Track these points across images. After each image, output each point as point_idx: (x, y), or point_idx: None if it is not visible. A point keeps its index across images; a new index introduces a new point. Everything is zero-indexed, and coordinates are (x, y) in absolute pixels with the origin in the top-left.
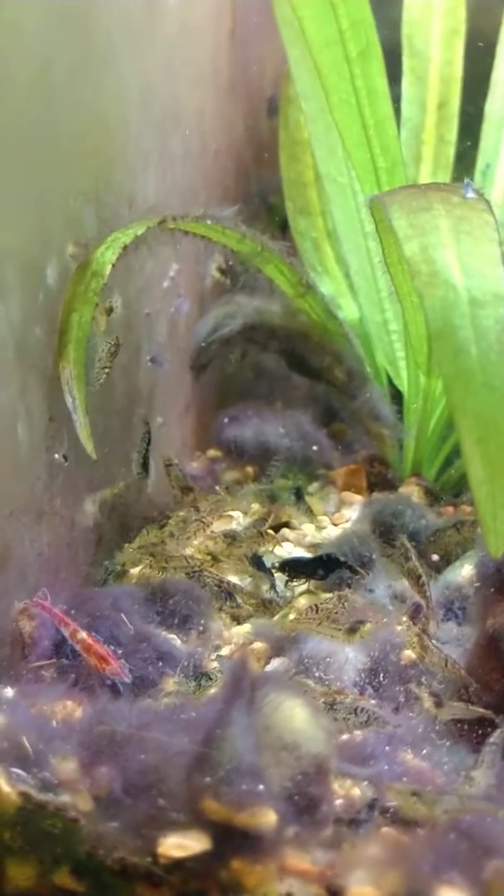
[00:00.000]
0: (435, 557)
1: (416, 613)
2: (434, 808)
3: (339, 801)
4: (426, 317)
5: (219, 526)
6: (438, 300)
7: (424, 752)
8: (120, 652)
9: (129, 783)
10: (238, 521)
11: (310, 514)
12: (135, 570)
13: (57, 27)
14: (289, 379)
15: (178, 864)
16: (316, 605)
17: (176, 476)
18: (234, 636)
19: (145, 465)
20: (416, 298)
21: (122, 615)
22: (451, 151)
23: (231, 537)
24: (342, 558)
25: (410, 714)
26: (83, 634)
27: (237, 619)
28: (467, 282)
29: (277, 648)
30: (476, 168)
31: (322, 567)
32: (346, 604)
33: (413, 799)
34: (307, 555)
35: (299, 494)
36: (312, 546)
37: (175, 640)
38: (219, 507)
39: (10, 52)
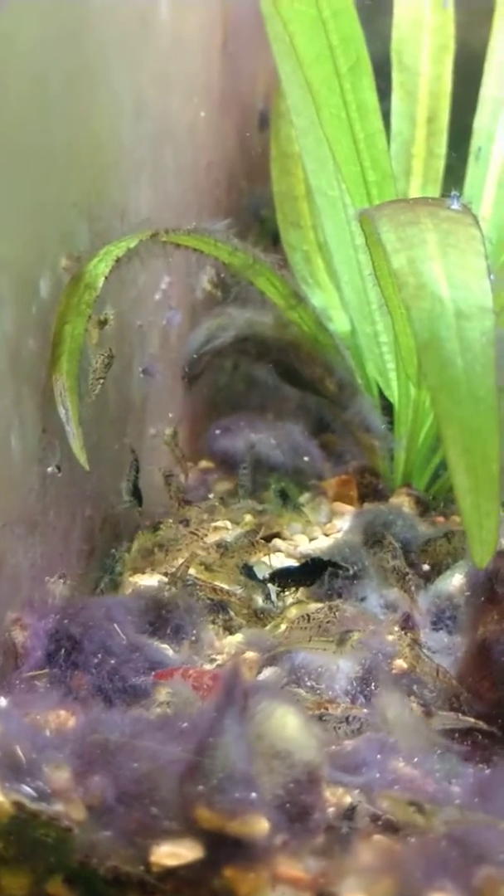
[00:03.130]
0: (425, 567)
1: (407, 623)
2: (433, 819)
3: (331, 809)
4: (413, 329)
5: (211, 537)
6: (425, 312)
7: (416, 759)
8: (112, 662)
9: (122, 792)
10: (230, 531)
11: (300, 513)
12: (132, 579)
13: (51, 41)
14: (280, 390)
15: (170, 873)
16: (307, 615)
17: (177, 488)
18: (226, 646)
19: (136, 493)
20: (405, 310)
21: (115, 625)
22: (440, 165)
23: (223, 548)
24: (325, 558)
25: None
26: (190, 671)
27: (229, 629)
28: (453, 294)
29: (269, 658)
30: (465, 183)
31: (309, 573)
32: (337, 613)
33: (411, 809)
34: (295, 564)
35: (284, 495)
36: (304, 556)
37: (167, 650)
38: (212, 518)
39: (5, 66)
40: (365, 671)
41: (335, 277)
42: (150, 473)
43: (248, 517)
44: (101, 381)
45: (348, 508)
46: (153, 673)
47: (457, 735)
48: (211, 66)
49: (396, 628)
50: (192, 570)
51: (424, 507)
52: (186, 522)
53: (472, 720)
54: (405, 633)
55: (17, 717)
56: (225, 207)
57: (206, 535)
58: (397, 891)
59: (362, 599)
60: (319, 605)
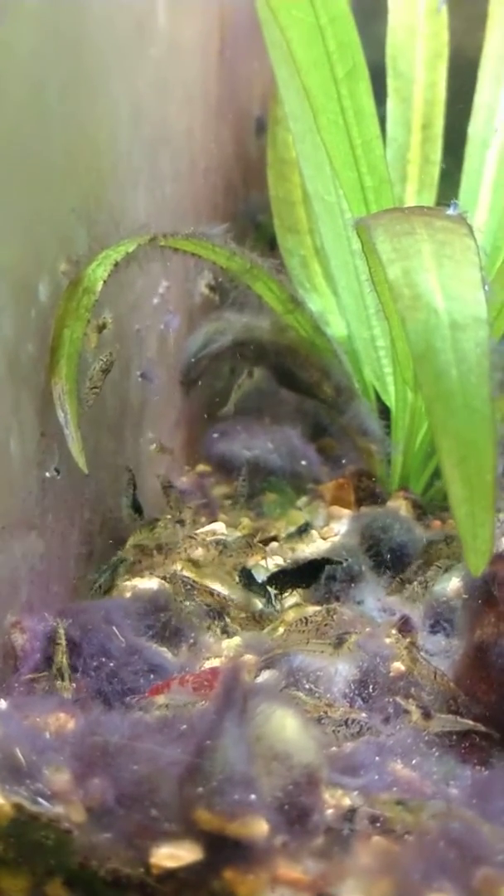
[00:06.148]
0: (424, 570)
1: (404, 626)
2: (419, 814)
3: (330, 811)
4: (408, 340)
5: (209, 540)
6: (420, 323)
7: (414, 762)
8: (112, 664)
9: (122, 794)
10: (227, 535)
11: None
12: (130, 582)
13: (50, 48)
14: (277, 394)
15: (170, 875)
16: (305, 618)
17: (175, 498)
18: (224, 649)
19: (135, 507)
20: (401, 321)
21: (114, 628)
22: (435, 171)
23: (222, 545)
24: (320, 557)
25: (400, 725)
26: (188, 677)
27: (227, 632)
28: (448, 305)
29: (267, 661)
30: (461, 188)
31: (306, 574)
32: (334, 616)
33: (398, 808)
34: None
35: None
36: (301, 561)
37: (166, 652)
38: (209, 521)
39: (4, 73)
40: (363, 674)
41: (332, 282)
42: (147, 478)
43: (246, 521)
44: (97, 389)
45: (345, 512)
46: (146, 691)
47: (454, 737)
48: (208, 73)
49: (394, 631)
50: (189, 574)
51: (421, 511)
52: (182, 522)
53: (470, 722)
54: (403, 636)
55: (16, 720)
56: (222, 212)
57: (204, 539)
58: (396, 892)
59: (360, 602)
60: (317, 608)
